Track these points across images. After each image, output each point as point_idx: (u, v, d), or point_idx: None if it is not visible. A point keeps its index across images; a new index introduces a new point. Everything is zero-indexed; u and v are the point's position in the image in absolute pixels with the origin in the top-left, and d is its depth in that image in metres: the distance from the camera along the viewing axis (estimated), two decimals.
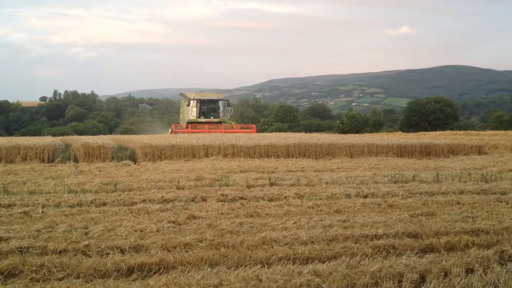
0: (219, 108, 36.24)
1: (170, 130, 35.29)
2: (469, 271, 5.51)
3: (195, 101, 35.39)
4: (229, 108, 37.24)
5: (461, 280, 5.17)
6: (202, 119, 35.18)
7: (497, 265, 5.64)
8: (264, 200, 9.88)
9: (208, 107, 36.20)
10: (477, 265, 5.61)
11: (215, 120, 35.47)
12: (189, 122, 34.79)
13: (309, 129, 55.99)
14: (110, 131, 75.64)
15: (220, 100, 36.58)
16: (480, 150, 22.78)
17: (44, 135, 31.66)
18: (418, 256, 5.99)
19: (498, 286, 5.07)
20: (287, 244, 6.51)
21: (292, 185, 11.85)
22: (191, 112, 35.30)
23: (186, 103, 36.20)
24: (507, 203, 9.56)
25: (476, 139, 26.29)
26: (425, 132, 39.44)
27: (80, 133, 52.32)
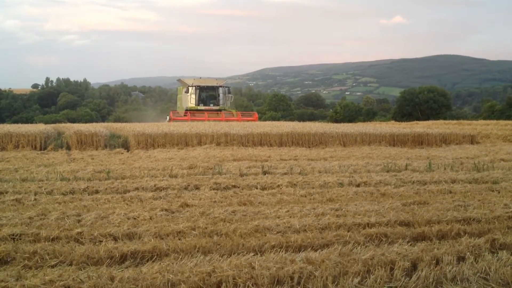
0: (219, 95, 35.14)
1: (168, 117, 34.12)
2: (461, 259, 5.55)
3: (194, 87, 34.30)
4: (230, 95, 36.05)
5: (452, 268, 5.20)
6: (201, 107, 34.08)
7: (488, 253, 5.68)
8: (257, 188, 9.88)
9: (207, 94, 35.12)
10: (468, 253, 5.65)
11: (214, 107, 34.39)
12: (188, 110, 33.71)
13: (302, 118, 55.91)
14: (103, 119, 75.17)
15: (220, 87, 35.42)
16: (472, 140, 22.91)
17: (36, 123, 31.45)
18: (410, 244, 6.02)
19: (489, 274, 5.11)
20: (279, 232, 6.53)
21: (285, 173, 11.86)
22: (190, 99, 34.20)
23: (184, 89, 35.07)
24: (499, 192, 9.61)
25: (468, 129, 26.43)
26: (417, 122, 39.54)
27: (73, 120, 51.96)
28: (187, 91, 34.48)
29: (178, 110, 37.33)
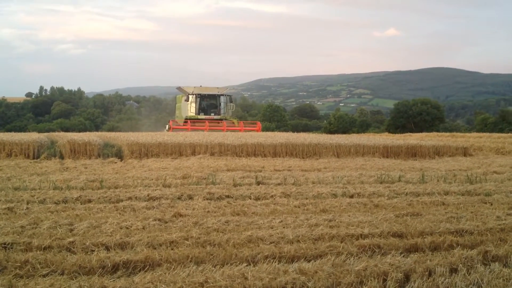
0: (220, 104, 34.36)
1: (167, 126, 33.17)
2: (453, 271, 5.56)
3: (194, 96, 33.49)
4: (231, 104, 35.17)
5: (445, 279, 5.22)
6: (202, 116, 33.22)
7: (480, 265, 5.70)
8: (250, 198, 9.87)
9: (208, 102, 34.33)
10: (461, 265, 5.66)
11: (215, 117, 33.57)
12: (187, 119, 32.77)
13: (296, 129, 56.01)
14: (97, 128, 75.09)
15: (222, 95, 34.57)
16: (465, 152, 22.96)
17: (29, 131, 31.27)
18: (403, 256, 6.03)
19: (481, 286, 5.12)
20: (273, 242, 6.52)
21: (279, 184, 11.86)
22: (190, 107, 33.42)
23: (184, 98, 34.25)
24: (491, 204, 9.65)
25: (461, 141, 26.54)
26: (411, 133, 39.71)
27: (66, 129, 51.67)
28: (187, 100, 33.66)
29: (176, 119, 36.46)
